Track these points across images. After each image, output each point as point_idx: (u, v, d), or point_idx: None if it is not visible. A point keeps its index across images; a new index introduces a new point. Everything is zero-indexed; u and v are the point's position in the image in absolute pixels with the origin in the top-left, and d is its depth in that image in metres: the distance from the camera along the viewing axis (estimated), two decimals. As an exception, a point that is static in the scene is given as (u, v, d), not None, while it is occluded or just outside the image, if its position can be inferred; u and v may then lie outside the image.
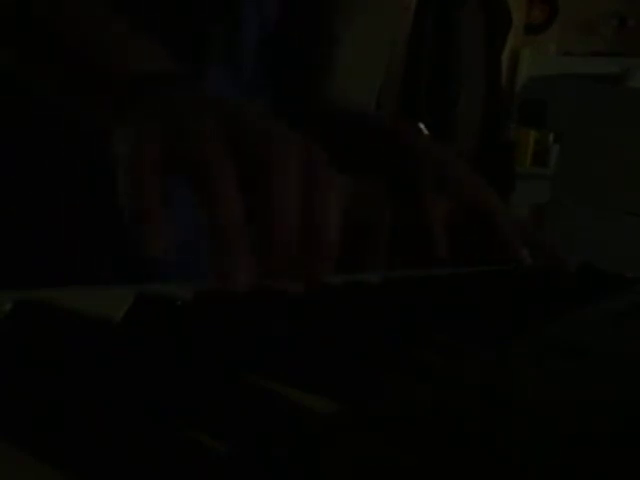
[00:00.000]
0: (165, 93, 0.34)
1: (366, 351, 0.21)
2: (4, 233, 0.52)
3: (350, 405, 0.16)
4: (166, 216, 0.29)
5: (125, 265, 0.51)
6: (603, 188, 2.46)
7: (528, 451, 0.14)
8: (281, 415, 0.15)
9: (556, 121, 2.93)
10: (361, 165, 0.61)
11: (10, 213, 0.52)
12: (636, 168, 2.40)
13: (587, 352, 0.25)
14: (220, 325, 0.22)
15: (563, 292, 0.45)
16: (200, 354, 0.19)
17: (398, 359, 0.20)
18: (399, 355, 0.21)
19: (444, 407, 0.16)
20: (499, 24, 2.57)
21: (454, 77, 2.29)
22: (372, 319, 0.26)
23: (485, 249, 0.56)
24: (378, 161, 0.59)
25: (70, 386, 0.15)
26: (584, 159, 2.49)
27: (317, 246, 0.31)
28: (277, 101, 0.61)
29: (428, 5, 2.20)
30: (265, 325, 0.22)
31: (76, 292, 0.24)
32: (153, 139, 0.31)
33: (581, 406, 0.18)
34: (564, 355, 0.24)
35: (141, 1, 0.49)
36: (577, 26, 3.28)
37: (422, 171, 0.56)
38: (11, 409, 0.14)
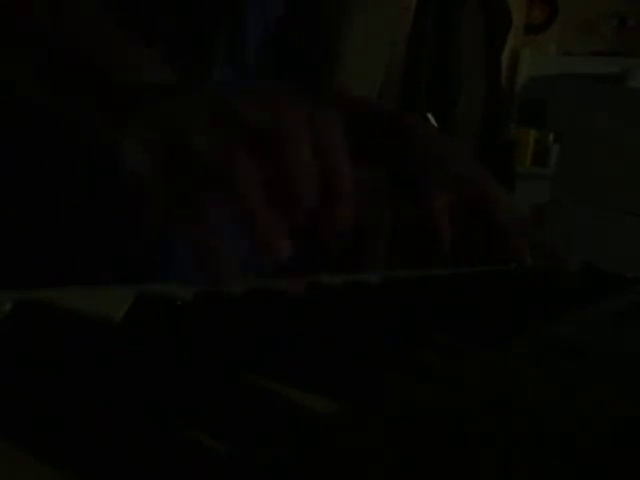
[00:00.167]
0: (166, 104, 0.34)
1: (366, 351, 0.21)
2: (4, 233, 0.52)
3: (350, 405, 0.16)
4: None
5: (125, 265, 0.51)
6: (603, 188, 2.46)
7: (528, 451, 0.14)
8: (281, 415, 0.15)
9: (556, 121, 2.93)
10: (363, 156, 0.61)
11: (10, 213, 0.52)
12: (636, 168, 2.40)
13: (587, 352, 0.25)
14: (220, 325, 0.22)
15: (563, 292, 0.45)
16: (200, 354, 0.19)
17: (398, 359, 0.20)
18: (399, 355, 0.21)
19: (444, 407, 0.16)
20: (499, 24, 2.57)
21: (454, 77, 2.28)
22: (372, 319, 0.26)
23: (486, 245, 0.56)
24: (380, 153, 0.59)
25: (70, 386, 0.15)
26: (584, 159, 2.49)
27: (332, 198, 0.33)
28: None
29: (428, 5, 2.20)
30: (265, 325, 0.22)
31: (76, 292, 0.24)
32: (155, 152, 0.32)
33: (581, 406, 0.18)
34: (564, 355, 0.24)
35: (143, 3, 0.49)
36: (577, 26, 3.28)
37: (423, 165, 0.55)
38: (11, 409, 0.14)
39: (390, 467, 0.13)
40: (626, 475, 0.14)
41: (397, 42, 2.09)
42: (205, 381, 0.16)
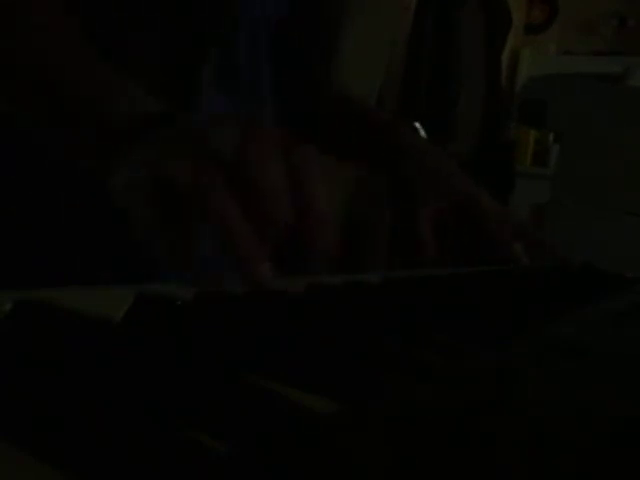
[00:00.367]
0: (152, 136, 0.35)
1: (366, 351, 0.21)
2: (4, 233, 0.52)
3: (350, 405, 0.16)
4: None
5: (125, 265, 0.51)
6: (603, 188, 2.46)
7: (528, 451, 0.14)
8: (281, 415, 0.15)
9: (556, 121, 2.93)
10: (361, 159, 0.62)
11: (10, 213, 0.52)
12: (636, 168, 2.40)
13: (587, 352, 0.25)
14: (220, 325, 0.22)
15: (563, 292, 0.45)
16: (200, 354, 0.19)
17: (398, 359, 0.20)
18: (399, 355, 0.21)
19: (444, 407, 0.16)
20: (499, 24, 2.57)
21: (454, 77, 2.28)
22: (372, 319, 0.26)
23: (478, 250, 0.56)
24: (375, 158, 0.59)
25: (70, 386, 0.15)
26: (584, 159, 2.49)
27: (310, 221, 0.33)
28: (280, 100, 0.61)
29: (428, 5, 2.20)
30: (265, 325, 0.22)
31: (76, 292, 0.24)
32: (139, 184, 0.33)
33: (581, 406, 0.18)
34: (564, 355, 0.24)
35: (129, 32, 0.49)
36: (577, 26, 3.28)
37: (416, 171, 0.56)
38: (11, 409, 0.14)
39: (390, 467, 0.13)
40: (626, 475, 0.14)
41: (397, 42, 2.09)
42: (205, 381, 0.16)
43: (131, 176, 0.34)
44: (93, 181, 0.51)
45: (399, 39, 2.11)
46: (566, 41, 3.28)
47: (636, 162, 2.38)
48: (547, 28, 3.35)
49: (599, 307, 0.38)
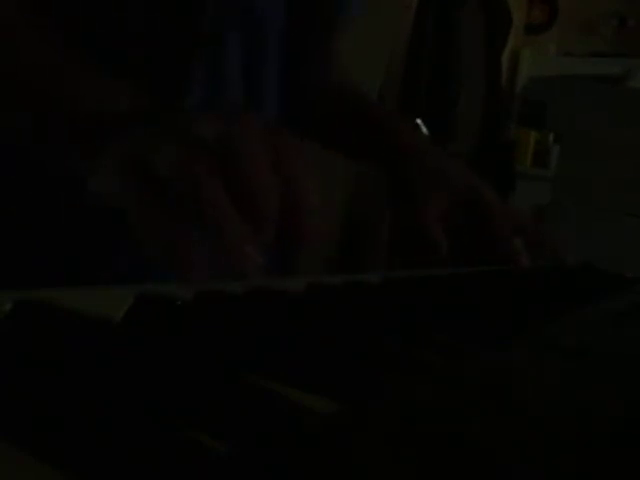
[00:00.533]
0: (134, 133, 0.35)
1: (366, 351, 0.21)
2: (4, 233, 0.52)
3: (350, 405, 0.16)
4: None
5: (125, 265, 0.51)
6: (603, 189, 2.46)
7: (528, 451, 0.14)
8: (281, 415, 0.15)
9: (556, 121, 2.93)
10: (362, 157, 0.62)
11: (10, 213, 0.52)
12: (636, 169, 2.40)
13: (587, 352, 0.25)
14: (220, 325, 0.22)
15: (563, 292, 0.45)
16: (200, 354, 0.19)
17: (398, 359, 0.20)
18: (399, 355, 0.21)
19: (444, 407, 0.16)
20: (499, 24, 2.57)
21: (454, 77, 2.28)
22: (372, 319, 0.26)
23: (479, 245, 0.56)
24: (375, 156, 0.59)
25: (70, 386, 0.15)
26: (584, 160, 2.50)
27: (298, 220, 0.33)
28: (278, 100, 0.61)
29: (428, 5, 2.20)
30: (265, 325, 0.22)
31: (76, 292, 0.24)
32: (125, 179, 0.33)
33: (581, 406, 0.18)
34: (564, 355, 0.24)
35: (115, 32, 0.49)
36: (577, 26, 3.28)
37: (418, 168, 0.56)
38: (11, 409, 0.14)
39: (390, 467, 0.13)
40: (626, 475, 0.14)
41: (397, 42, 2.09)
42: (205, 381, 0.16)
43: (115, 173, 0.34)
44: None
45: (399, 39, 2.12)
46: (566, 41, 3.28)
47: (636, 163, 2.38)
48: (547, 28, 3.35)
49: (599, 307, 0.38)
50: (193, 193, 0.31)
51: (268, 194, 0.33)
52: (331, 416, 0.15)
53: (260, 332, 0.21)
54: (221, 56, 0.53)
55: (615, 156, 2.41)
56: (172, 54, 0.51)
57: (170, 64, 0.51)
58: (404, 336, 0.23)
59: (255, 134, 0.34)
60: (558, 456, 0.14)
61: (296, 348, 0.20)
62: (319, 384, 0.17)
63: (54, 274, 0.51)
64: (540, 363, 0.23)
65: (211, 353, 0.19)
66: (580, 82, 2.81)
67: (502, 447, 0.14)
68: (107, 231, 0.51)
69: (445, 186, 0.56)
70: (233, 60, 0.54)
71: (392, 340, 0.23)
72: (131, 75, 0.40)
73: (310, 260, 0.34)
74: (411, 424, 0.15)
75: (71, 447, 0.13)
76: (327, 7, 0.62)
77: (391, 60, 1.99)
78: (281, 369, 0.18)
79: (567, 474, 0.13)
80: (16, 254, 0.52)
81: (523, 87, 3.25)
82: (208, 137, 0.33)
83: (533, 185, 2.78)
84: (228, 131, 0.33)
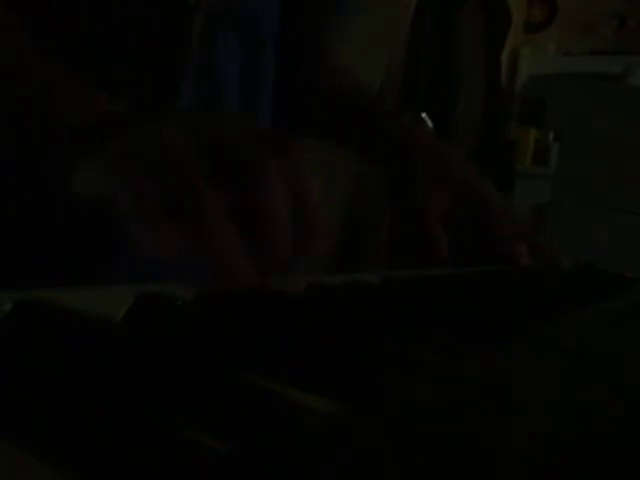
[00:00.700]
0: (117, 136, 0.34)
1: (366, 351, 0.21)
2: (4, 233, 0.52)
3: (350, 405, 0.16)
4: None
5: (125, 265, 0.51)
6: (603, 187, 2.46)
7: (528, 451, 0.14)
8: (281, 415, 0.15)
9: (556, 120, 2.93)
10: (362, 157, 0.61)
11: (10, 213, 0.52)
12: (636, 167, 2.40)
13: (587, 352, 0.25)
14: (220, 325, 0.22)
15: (563, 292, 0.45)
16: (200, 354, 0.19)
17: (398, 359, 0.20)
18: (399, 355, 0.21)
19: (444, 407, 0.16)
20: (499, 24, 2.57)
21: (454, 77, 2.28)
22: (372, 319, 0.26)
23: (482, 247, 0.56)
24: (377, 156, 0.59)
25: (70, 386, 0.15)
26: (584, 158, 2.49)
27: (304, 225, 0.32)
28: (276, 100, 0.61)
29: (428, 5, 2.20)
30: (265, 325, 0.22)
31: (76, 292, 0.24)
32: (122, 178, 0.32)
33: (581, 406, 0.18)
34: (564, 355, 0.24)
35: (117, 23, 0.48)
36: (577, 25, 3.28)
37: (420, 167, 0.56)
38: (11, 409, 0.14)
39: (390, 467, 0.13)
40: (626, 475, 0.14)
41: (397, 42, 2.09)
42: (205, 381, 0.16)
43: (107, 173, 0.33)
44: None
45: (399, 39, 2.12)
46: (566, 40, 3.28)
47: (636, 161, 2.38)
48: (547, 27, 3.35)
49: (599, 307, 0.38)
50: (191, 198, 0.30)
51: (274, 206, 0.31)
52: (331, 416, 0.15)
53: (260, 332, 0.21)
54: (215, 56, 0.53)
55: (615, 154, 2.41)
56: (166, 54, 0.51)
57: (164, 64, 0.51)
58: (404, 336, 0.23)
59: (258, 139, 0.33)
60: (558, 456, 0.14)
61: (296, 348, 0.20)
62: (319, 384, 0.17)
63: (54, 274, 0.51)
64: (540, 363, 0.23)
65: (211, 353, 0.19)
66: (580, 80, 2.81)
67: (502, 447, 0.14)
68: (107, 231, 0.51)
69: (445, 186, 0.56)
70: (228, 60, 0.54)
71: (392, 340, 0.23)
72: (125, 75, 0.39)
73: (313, 260, 0.33)
74: (411, 424, 0.15)
75: (71, 447, 0.13)
76: (323, 7, 0.62)
77: (391, 60, 1.99)
78: (281, 369, 0.18)
79: (567, 474, 0.13)
80: (16, 254, 0.52)
81: (523, 85, 3.25)
82: (207, 137, 0.33)
83: (533, 183, 2.78)
84: (230, 135, 0.33)
